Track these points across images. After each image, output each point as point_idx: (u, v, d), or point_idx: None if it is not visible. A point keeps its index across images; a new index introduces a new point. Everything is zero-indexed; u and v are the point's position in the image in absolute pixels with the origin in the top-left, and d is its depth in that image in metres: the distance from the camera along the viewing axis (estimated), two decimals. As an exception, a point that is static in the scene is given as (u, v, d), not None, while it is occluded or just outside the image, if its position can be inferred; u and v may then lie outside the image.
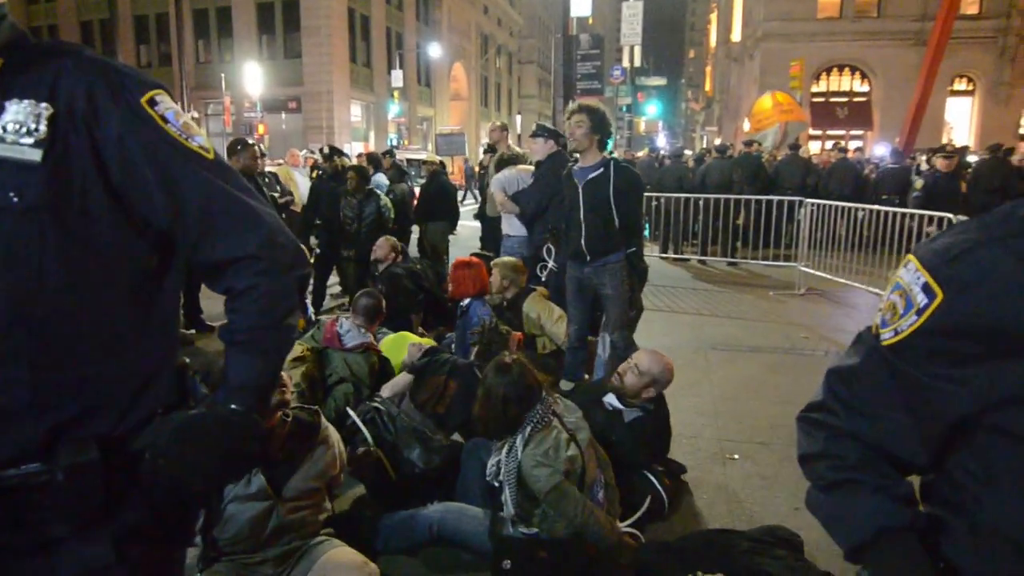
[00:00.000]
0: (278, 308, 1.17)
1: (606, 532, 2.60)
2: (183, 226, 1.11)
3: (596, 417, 3.20)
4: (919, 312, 0.90)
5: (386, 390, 3.44)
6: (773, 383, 4.99)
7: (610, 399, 3.35)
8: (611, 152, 6.44)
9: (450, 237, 8.29)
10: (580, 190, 4.12)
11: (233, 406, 1.13)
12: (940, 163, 9.51)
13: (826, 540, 2.89)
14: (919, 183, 9.50)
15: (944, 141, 16.06)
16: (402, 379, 3.48)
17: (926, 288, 0.89)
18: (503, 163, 6.01)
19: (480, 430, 2.78)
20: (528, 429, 2.62)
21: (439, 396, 3.25)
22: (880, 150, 14.70)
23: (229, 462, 1.13)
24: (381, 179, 8.55)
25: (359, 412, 3.13)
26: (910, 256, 0.94)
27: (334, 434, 2.61)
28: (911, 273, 0.92)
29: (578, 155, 4.26)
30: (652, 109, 34.08)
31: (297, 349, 3.61)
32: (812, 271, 8.28)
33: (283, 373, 2.52)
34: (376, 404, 3.21)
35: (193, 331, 5.99)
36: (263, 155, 8.34)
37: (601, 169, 4.08)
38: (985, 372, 0.85)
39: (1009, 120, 24.29)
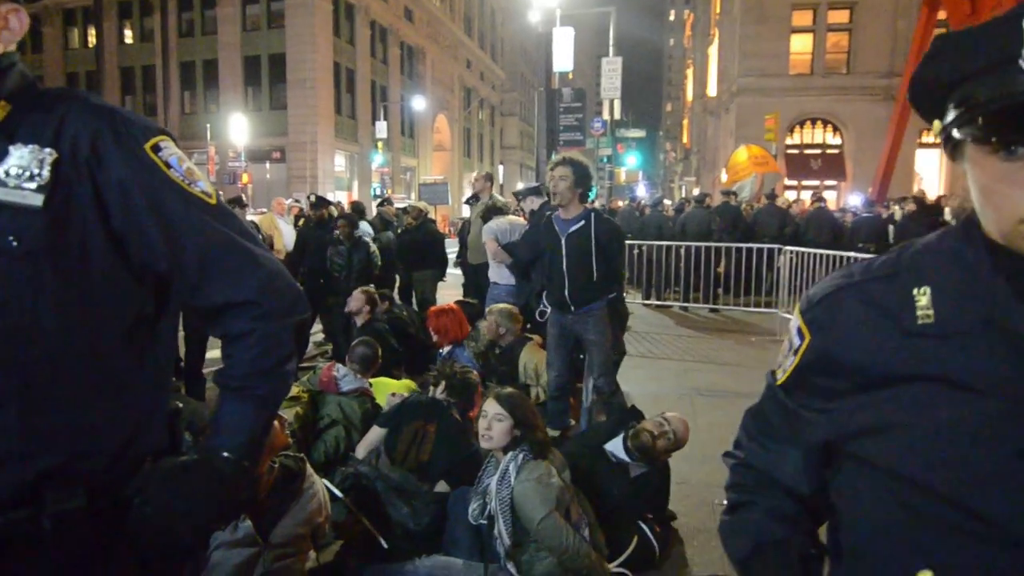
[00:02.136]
0: (274, 354, 1.17)
1: (595, 569, 2.57)
2: (182, 271, 1.11)
3: (599, 468, 3.19)
4: (795, 352, 0.99)
5: (360, 450, 3.35)
6: (758, 428, 4.98)
7: (614, 450, 3.32)
8: (593, 201, 6.57)
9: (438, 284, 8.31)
10: (563, 242, 4.18)
11: (225, 454, 1.11)
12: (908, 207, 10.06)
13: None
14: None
15: (915, 191, 16.52)
16: (374, 435, 3.39)
17: (799, 330, 0.99)
18: (490, 212, 6.09)
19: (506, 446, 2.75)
20: (520, 457, 2.63)
21: (419, 443, 3.18)
22: (854, 200, 15.08)
23: (218, 510, 1.11)
24: (366, 227, 8.60)
25: (337, 478, 3.05)
26: (797, 302, 1.04)
27: (319, 482, 2.58)
28: (794, 318, 1.02)
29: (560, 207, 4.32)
30: (632, 160, 34.72)
31: (292, 389, 3.57)
32: (791, 317, 8.37)
33: (282, 415, 2.50)
34: (352, 469, 3.14)
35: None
36: (244, 205, 8.37)
37: (583, 222, 4.15)
38: (843, 406, 0.93)
39: (976, 171, 25.02)
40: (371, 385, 3.98)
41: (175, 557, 1.13)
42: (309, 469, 2.57)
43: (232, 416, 1.14)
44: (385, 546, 2.78)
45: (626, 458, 3.27)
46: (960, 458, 0.82)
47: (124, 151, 1.06)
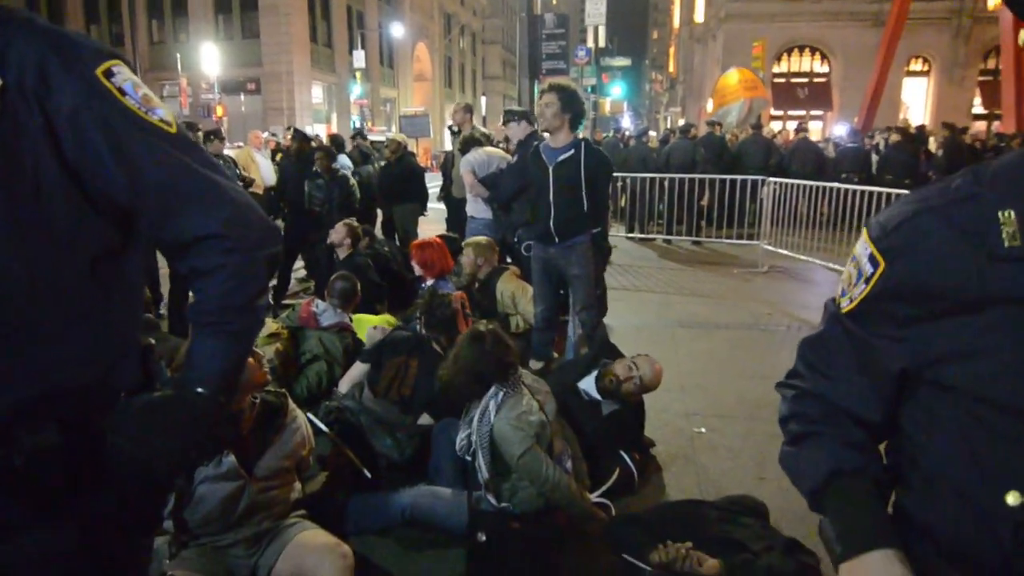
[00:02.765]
0: (246, 289, 1.14)
1: (576, 500, 2.64)
2: (143, 203, 1.07)
3: (571, 405, 3.22)
4: (867, 280, 0.97)
5: (343, 385, 3.38)
6: (738, 359, 5.09)
7: (587, 388, 3.36)
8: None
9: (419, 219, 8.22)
10: (550, 171, 4.11)
11: (198, 389, 1.10)
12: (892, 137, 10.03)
13: (790, 508, 3.01)
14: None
15: (900, 120, 16.42)
16: (357, 369, 3.41)
17: (871, 258, 0.96)
18: (468, 143, 5.97)
19: (449, 395, 2.78)
20: (501, 395, 2.67)
21: (402, 378, 3.20)
22: (839, 130, 14.96)
23: (193, 446, 1.10)
24: (345, 161, 8.42)
25: (321, 412, 3.07)
26: (864, 228, 1.01)
27: (301, 416, 2.60)
28: (862, 245, 0.99)
29: (547, 135, 4.25)
30: (617, 90, 34.03)
31: (272, 326, 3.56)
32: (774, 249, 8.43)
33: (260, 351, 2.49)
34: (336, 403, 3.16)
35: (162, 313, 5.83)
36: (222, 138, 8.11)
37: (572, 151, 4.06)
38: (922, 332, 0.92)
39: (962, 101, 24.90)
40: (352, 320, 3.97)
41: (151, 493, 1.13)
42: (291, 404, 2.59)
43: (205, 352, 1.12)
44: (369, 476, 2.83)
45: (598, 396, 3.32)
46: None
47: (74, 77, 0.99)
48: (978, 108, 25.06)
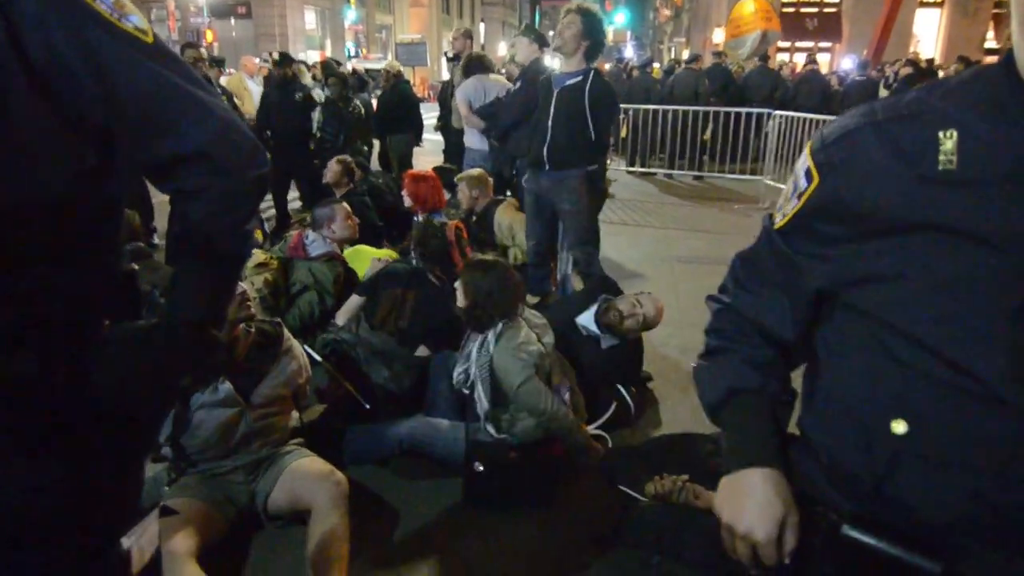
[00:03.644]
0: (234, 212, 1.07)
1: (574, 431, 2.65)
2: (120, 119, 0.99)
3: (570, 339, 3.20)
4: (799, 196, 0.94)
5: (340, 317, 3.34)
6: (736, 295, 5.06)
7: (586, 323, 3.33)
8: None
9: (415, 150, 8.04)
10: (554, 96, 3.97)
11: (184, 318, 1.05)
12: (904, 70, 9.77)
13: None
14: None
15: (910, 54, 15.93)
16: (353, 302, 3.37)
17: (807, 173, 0.92)
18: (472, 66, 5.75)
19: (466, 323, 2.76)
20: (500, 326, 2.64)
21: (398, 310, 3.17)
22: (847, 63, 14.53)
23: (179, 377, 1.06)
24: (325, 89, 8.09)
25: (318, 345, 3.05)
26: (808, 144, 0.97)
27: (297, 346, 2.58)
28: (802, 159, 0.95)
29: (559, 59, 4.11)
30: (620, 17, 33.01)
31: (260, 256, 3.50)
32: (777, 185, 8.31)
33: (244, 284, 2.45)
34: (333, 335, 3.13)
35: (156, 243, 5.76)
36: (219, 64, 7.78)
37: (580, 77, 3.92)
38: (845, 253, 0.90)
39: (975, 34, 24.14)
40: (342, 250, 3.90)
41: (138, 423, 1.10)
42: (287, 333, 2.58)
43: (191, 280, 1.06)
44: (368, 407, 2.84)
45: (597, 331, 3.30)
46: (960, 312, 0.80)
47: None
48: (991, 43, 24.35)
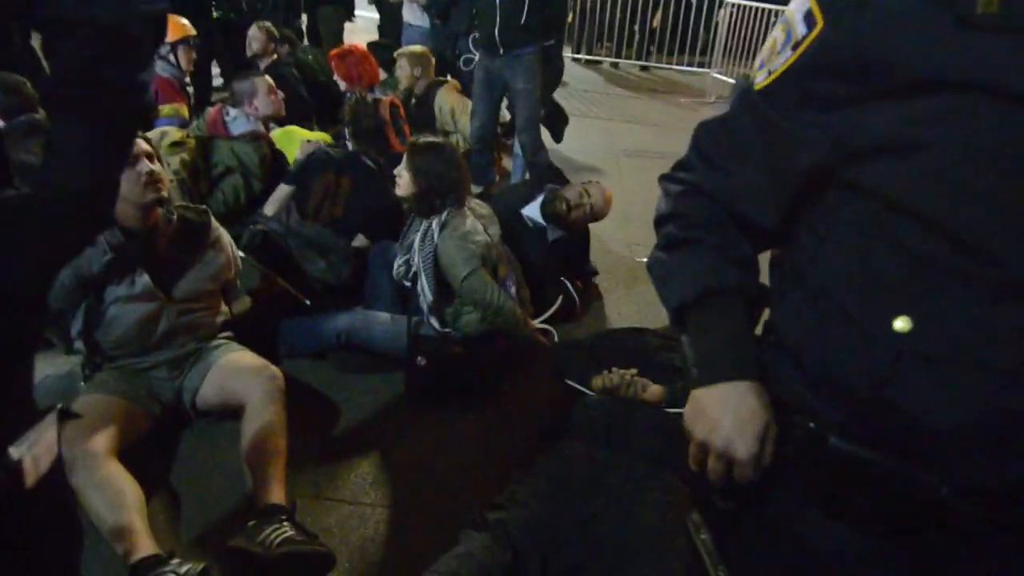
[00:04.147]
0: (120, 56, 0.84)
1: (519, 325, 2.58)
2: None
3: (515, 231, 3.07)
4: (795, 45, 0.77)
5: (269, 207, 3.08)
6: (682, 189, 5.00)
7: (531, 214, 3.20)
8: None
9: (347, 25, 7.41)
10: None
11: (60, 185, 0.84)
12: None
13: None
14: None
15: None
16: (282, 191, 3.10)
17: (807, 16, 0.75)
18: None
19: (415, 209, 2.58)
20: (444, 215, 2.49)
21: (332, 197, 2.92)
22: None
23: (57, 256, 0.88)
24: None
25: (245, 238, 2.79)
26: None
27: (225, 235, 2.37)
28: (798, 2, 0.78)
29: None
30: None
31: (175, 134, 3.15)
32: (725, 79, 8.14)
33: (157, 165, 2.17)
34: (261, 227, 2.88)
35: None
36: None
37: None
38: (849, 118, 0.75)
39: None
40: (267, 129, 3.57)
41: (12, 309, 0.90)
42: (215, 222, 2.35)
43: (70, 141, 0.84)
44: (308, 303, 2.67)
45: (543, 222, 3.18)
46: (991, 189, 0.68)
47: None
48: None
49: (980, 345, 0.72)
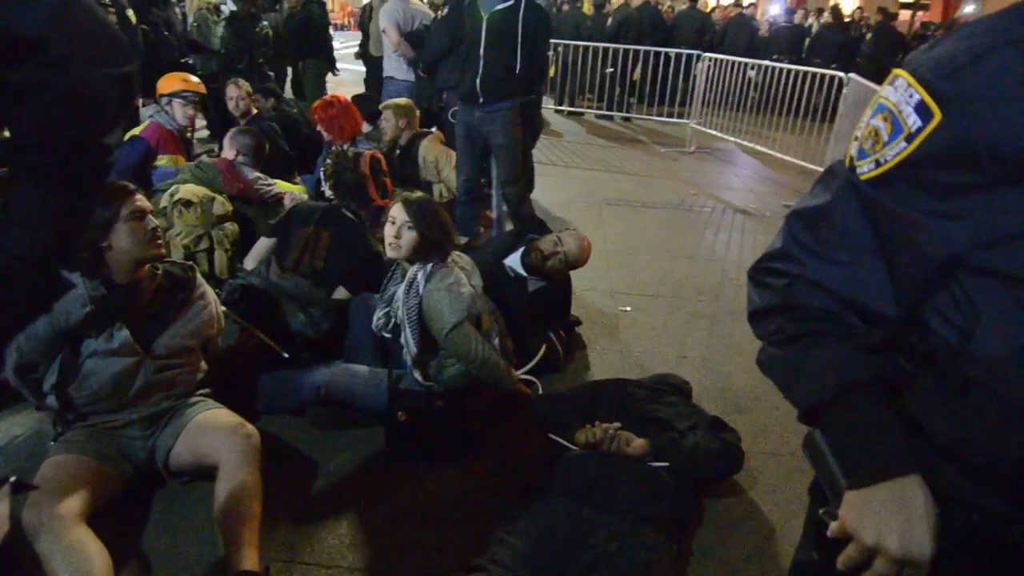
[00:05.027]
0: (80, 119, 0.83)
1: (504, 377, 2.55)
2: None
3: (497, 282, 3.06)
4: (909, 137, 0.75)
5: (249, 261, 3.06)
6: (663, 238, 5.06)
7: (513, 265, 3.20)
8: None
9: (334, 79, 7.54)
10: (484, 22, 3.71)
11: (17, 252, 0.83)
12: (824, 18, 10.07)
13: (712, 385, 3.04)
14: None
15: (832, 3, 16.19)
16: (262, 245, 3.07)
17: (920, 108, 0.74)
18: None
19: (417, 258, 2.52)
20: (429, 267, 2.47)
21: (312, 250, 2.91)
22: (774, 8, 14.63)
23: (10, 322, 0.85)
24: (233, 6, 7.30)
25: (224, 293, 2.77)
26: (898, 71, 0.78)
27: (210, 292, 2.34)
28: (901, 91, 0.76)
29: None
30: (549, -49, 31.95)
31: (199, 191, 3.15)
32: (703, 129, 8.32)
33: (158, 220, 2.16)
34: (241, 281, 2.86)
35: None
36: None
37: (511, 1, 3.67)
38: (984, 204, 0.73)
39: (891, -13, 24.79)
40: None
41: None
42: (199, 278, 2.32)
43: (26, 205, 0.82)
44: (286, 356, 2.63)
45: (524, 272, 3.18)
46: None
47: None
48: (905, -3, 25.08)
49: None
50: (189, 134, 4.08)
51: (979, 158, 0.72)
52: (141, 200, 2.08)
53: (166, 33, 6.00)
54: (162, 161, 3.77)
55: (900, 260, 0.81)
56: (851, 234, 0.83)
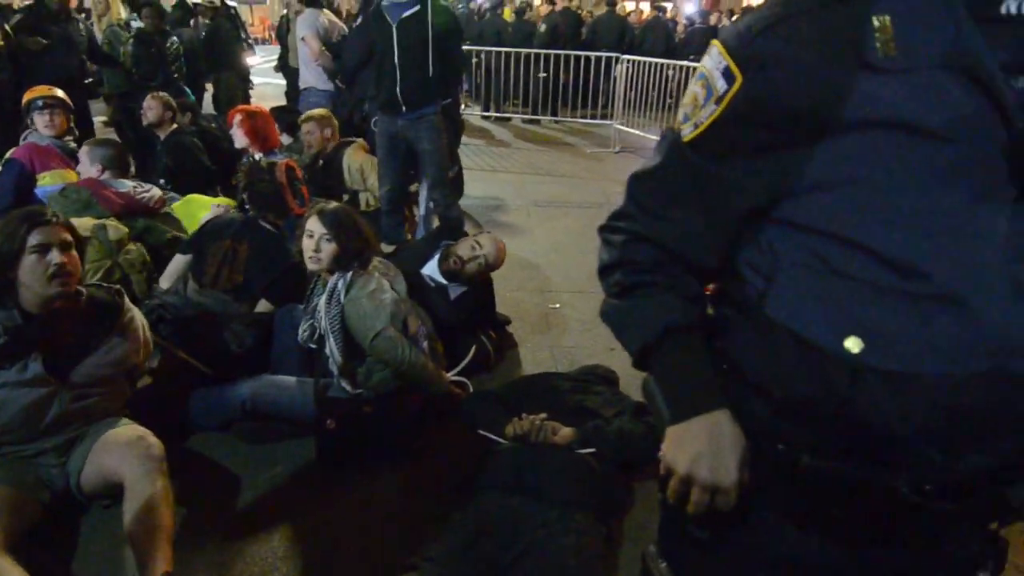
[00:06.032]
0: None
1: (433, 379, 2.57)
2: None
3: (420, 290, 3.06)
4: (718, 100, 0.83)
5: (164, 280, 2.98)
6: (591, 236, 5.02)
7: (431, 273, 3.21)
8: None
9: (253, 92, 7.41)
10: (394, 30, 3.73)
11: None
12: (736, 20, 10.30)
13: (639, 374, 3.13)
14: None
15: (744, 4, 16.85)
16: (178, 261, 2.99)
17: (726, 72, 0.82)
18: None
19: (338, 268, 2.51)
20: (349, 275, 2.47)
21: (231, 264, 2.86)
22: (689, 8, 15.13)
23: None
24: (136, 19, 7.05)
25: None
26: (714, 41, 0.85)
27: (138, 317, 2.24)
28: (714, 58, 0.84)
29: None
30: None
31: (86, 223, 2.97)
32: (626, 129, 8.53)
33: (72, 257, 2.05)
34: (159, 301, 2.78)
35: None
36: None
37: (417, 7, 3.69)
38: (779, 162, 0.82)
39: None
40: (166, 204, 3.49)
41: None
42: (127, 303, 2.21)
43: None
44: (208, 372, 2.57)
45: (443, 280, 3.20)
46: (913, 211, 0.76)
47: None
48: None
49: (926, 355, 0.78)
50: (73, 144, 3.84)
51: (774, 116, 0.79)
52: (46, 231, 1.97)
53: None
54: (45, 179, 3.57)
55: (717, 215, 0.89)
56: (675, 193, 0.92)
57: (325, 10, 5.48)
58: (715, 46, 0.84)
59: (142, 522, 1.84)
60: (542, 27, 10.16)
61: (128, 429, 2.10)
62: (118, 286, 2.26)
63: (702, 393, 0.92)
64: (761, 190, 0.84)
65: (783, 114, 0.79)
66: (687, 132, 0.88)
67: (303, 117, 4.62)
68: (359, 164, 4.33)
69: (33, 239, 1.95)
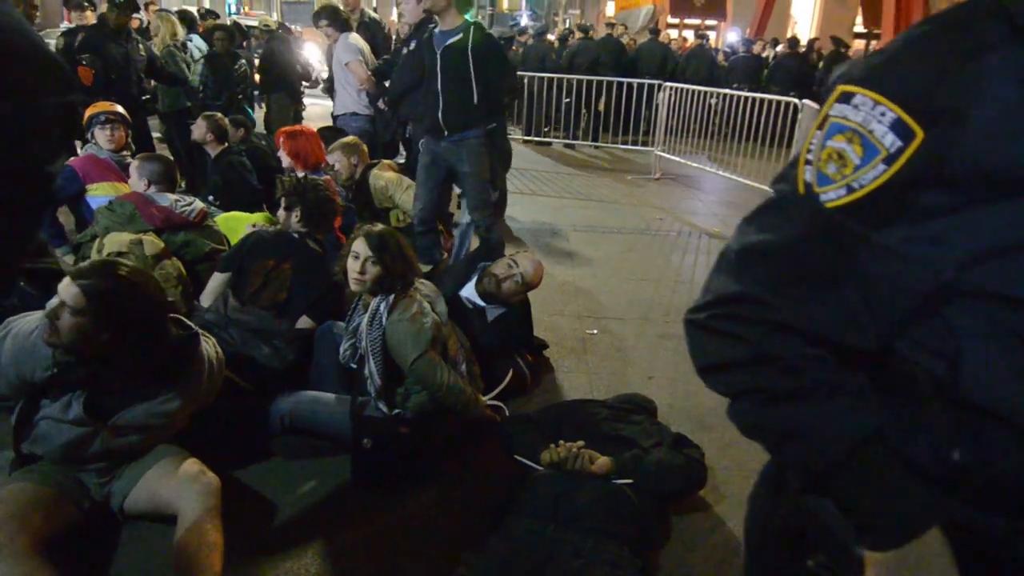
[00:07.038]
0: (23, 145, 0.81)
1: (470, 403, 2.56)
2: None
3: (459, 312, 3.07)
4: (889, 159, 0.70)
5: (205, 298, 3.00)
6: (630, 262, 5.14)
7: (470, 296, 3.22)
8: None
9: (305, 115, 7.58)
10: (438, 57, 3.80)
11: None
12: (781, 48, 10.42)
13: (677, 405, 3.08)
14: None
15: (789, 34, 16.76)
16: (217, 280, 3.00)
17: (899, 127, 0.69)
18: (335, 18, 5.49)
19: (378, 290, 2.52)
20: (391, 298, 2.48)
21: (274, 281, 2.87)
22: (732, 36, 15.08)
23: None
24: (199, 43, 7.07)
25: None
26: (850, 88, 0.73)
27: (207, 363, 2.12)
28: (866, 110, 0.71)
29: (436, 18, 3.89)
30: (515, -13, 32.68)
31: (124, 238, 2.99)
32: (667, 155, 8.51)
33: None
34: (200, 320, 2.79)
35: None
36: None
37: (460, 35, 3.76)
38: (957, 226, 0.69)
39: (846, 18, 25.71)
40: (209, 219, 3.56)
41: None
42: (201, 350, 2.09)
43: None
44: (249, 388, 2.60)
45: (481, 302, 3.20)
46: None
47: None
48: (859, 27, 26.04)
49: None
50: (129, 159, 3.96)
51: (958, 176, 0.68)
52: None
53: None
54: (96, 190, 3.69)
55: (879, 291, 0.76)
56: (821, 268, 0.77)
57: (354, 33, 5.58)
58: (863, 94, 0.72)
59: (193, 560, 1.83)
60: (553, 55, 10.30)
61: (188, 464, 2.07)
62: (197, 329, 2.15)
63: (919, 514, 0.80)
64: (948, 261, 0.72)
65: (971, 172, 0.67)
66: (834, 196, 0.74)
67: (331, 148, 4.62)
68: (384, 183, 4.38)
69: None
